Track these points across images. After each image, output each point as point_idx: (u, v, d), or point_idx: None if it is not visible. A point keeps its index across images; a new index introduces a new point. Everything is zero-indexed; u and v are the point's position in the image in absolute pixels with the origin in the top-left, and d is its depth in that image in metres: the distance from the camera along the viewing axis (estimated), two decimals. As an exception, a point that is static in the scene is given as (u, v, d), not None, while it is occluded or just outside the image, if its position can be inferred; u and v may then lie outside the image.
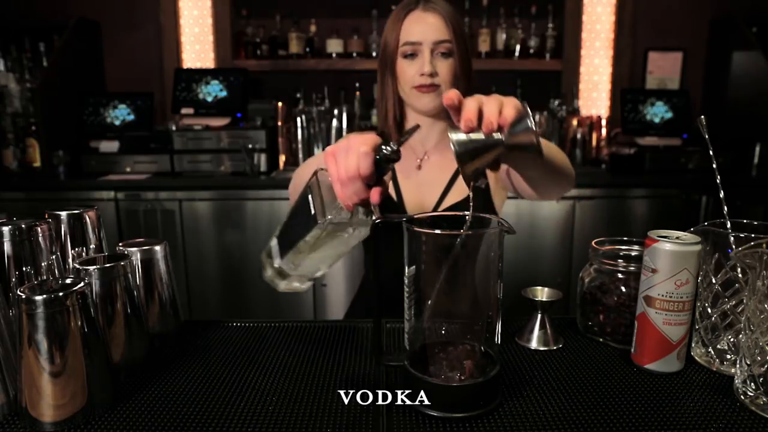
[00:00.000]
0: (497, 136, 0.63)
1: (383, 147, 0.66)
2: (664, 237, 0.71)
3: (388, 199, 1.25)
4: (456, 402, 0.64)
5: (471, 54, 1.19)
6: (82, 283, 0.63)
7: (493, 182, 1.27)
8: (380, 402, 0.69)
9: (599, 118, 2.89)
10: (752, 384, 0.66)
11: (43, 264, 0.72)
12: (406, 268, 0.66)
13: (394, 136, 1.24)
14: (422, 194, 1.25)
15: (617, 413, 0.65)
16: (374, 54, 2.95)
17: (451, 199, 1.23)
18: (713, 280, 0.75)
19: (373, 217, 0.66)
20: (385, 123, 1.25)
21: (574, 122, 2.85)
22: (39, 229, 0.72)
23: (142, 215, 2.49)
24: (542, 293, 0.87)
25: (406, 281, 0.67)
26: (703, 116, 0.82)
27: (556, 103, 2.89)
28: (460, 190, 1.24)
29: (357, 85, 2.99)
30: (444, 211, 1.19)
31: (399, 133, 1.24)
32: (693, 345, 0.79)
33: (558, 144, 2.85)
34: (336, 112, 2.80)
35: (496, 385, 0.68)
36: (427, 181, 1.26)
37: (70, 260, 0.81)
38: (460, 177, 1.20)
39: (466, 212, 0.68)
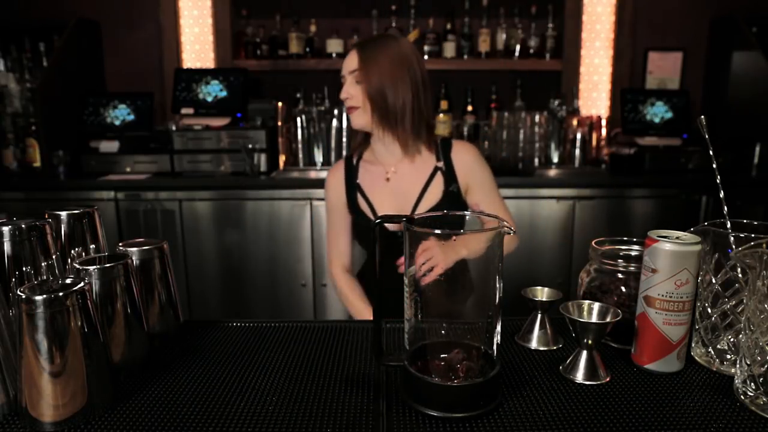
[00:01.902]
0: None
1: None
2: (664, 237, 0.71)
3: (363, 217, 1.41)
4: (456, 402, 0.64)
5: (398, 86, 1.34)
6: (82, 283, 0.63)
7: (464, 187, 1.39)
8: (380, 402, 0.69)
9: (599, 118, 2.90)
10: (752, 384, 0.66)
11: (43, 264, 0.72)
12: (406, 267, 0.66)
13: (364, 151, 1.46)
14: (395, 204, 1.38)
15: (617, 413, 0.65)
16: (374, 54, 2.95)
17: (424, 206, 1.36)
18: (713, 280, 0.75)
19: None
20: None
21: (574, 122, 2.85)
22: (39, 229, 0.72)
23: (142, 215, 2.49)
24: (542, 293, 0.87)
25: (406, 281, 0.67)
26: (703, 116, 0.82)
27: (556, 103, 2.89)
28: (432, 198, 1.37)
29: (357, 85, 2.99)
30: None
31: (364, 148, 1.47)
32: (693, 345, 0.79)
33: (558, 144, 2.86)
34: (336, 112, 2.80)
35: (496, 385, 0.68)
36: (398, 191, 1.39)
37: (70, 260, 0.81)
38: (432, 185, 1.38)
39: (466, 212, 0.68)
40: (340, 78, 1.39)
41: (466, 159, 1.40)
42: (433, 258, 1.13)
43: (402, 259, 1.10)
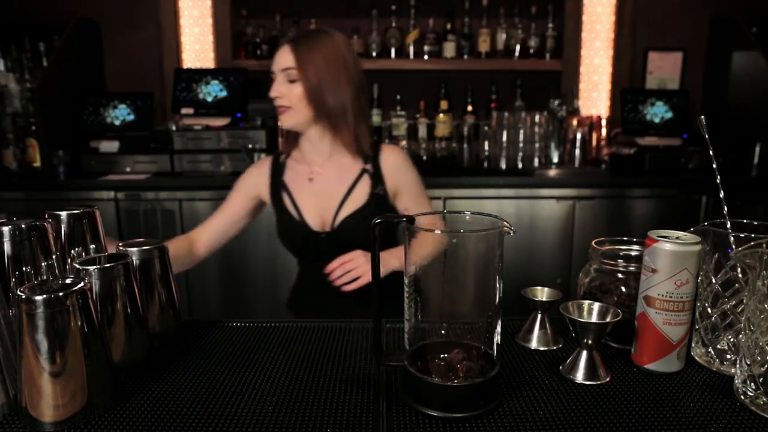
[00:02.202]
0: None
1: None
2: (664, 237, 0.71)
3: (288, 214, 1.38)
4: (456, 402, 0.64)
5: (337, 82, 1.30)
6: (82, 283, 0.63)
7: (392, 191, 1.38)
8: (380, 402, 0.69)
9: (599, 118, 2.89)
10: (752, 384, 0.66)
11: (43, 264, 0.72)
12: (406, 267, 0.66)
13: (292, 149, 1.44)
14: (320, 204, 1.37)
15: (617, 413, 0.65)
16: (374, 54, 2.95)
17: (349, 207, 1.34)
18: (713, 280, 0.75)
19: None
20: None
21: (574, 122, 2.85)
22: (39, 229, 0.72)
23: (142, 215, 2.48)
24: (542, 293, 0.87)
25: (406, 281, 0.67)
26: (703, 116, 0.82)
27: (556, 103, 2.89)
28: (357, 199, 1.35)
29: (357, 85, 2.99)
30: (345, 218, 1.33)
31: (292, 146, 1.44)
32: (693, 345, 0.79)
33: (558, 144, 2.85)
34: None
35: (496, 385, 0.68)
36: (322, 192, 1.37)
37: (70, 260, 0.81)
38: (357, 187, 1.36)
39: (466, 212, 0.68)
40: (270, 75, 1.33)
41: (394, 162, 1.38)
42: (359, 268, 1.21)
43: (331, 266, 1.22)
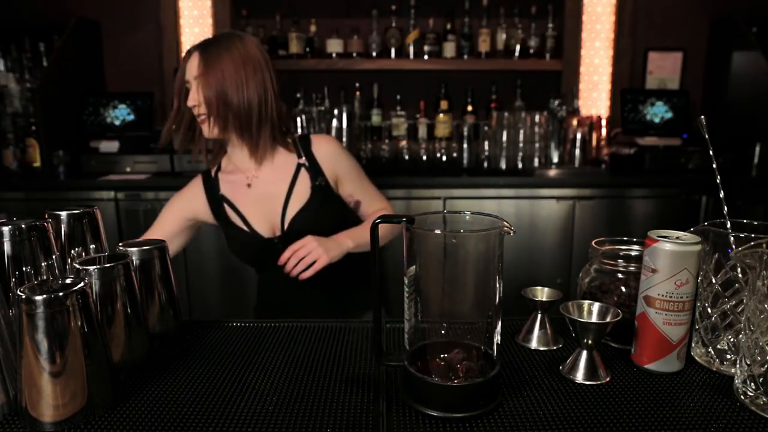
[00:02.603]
0: None
1: None
2: (664, 237, 0.71)
3: (235, 228, 1.35)
4: (456, 402, 0.64)
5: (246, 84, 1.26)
6: (82, 283, 0.63)
7: (332, 179, 1.36)
8: (380, 402, 0.69)
9: (599, 118, 2.89)
10: (752, 384, 0.66)
11: (43, 264, 0.72)
12: (406, 267, 0.66)
13: (221, 162, 1.41)
14: (264, 208, 1.34)
15: (617, 413, 0.65)
16: (374, 54, 2.95)
17: (295, 206, 1.33)
18: (713, 280, 0.75)
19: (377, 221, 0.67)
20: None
21: (574, 122, 2.85)
22: (39, 229, 0.72)
23: (142, 215, 2.48)
24: (542, 293, 0.87)
25: (405, 281, 0.67)
26: (703, 116, 0.82)
27: (556, 103, 2.89)
28: (300, 196, 1.33)
29: (357, 85, 2.99)
30: (293, 218, 1.32)
31: (220, 159, 1.42)
32: (693, 345, 0.79)
33: (558, 144, 2.85)
34: (336, 112, 2.80)
35: (496, 385, 0.68)
36: (264, 196, 1.35)
37: (70, 260, 0.81)
38: (297, 183, 1.34)
39: (466, 212, 0.68)
40: (185, 85, 1.29)
41: (327, 150, 1.37)
42: (312, 253, 1.20)
43: (283, 257, 1.22)
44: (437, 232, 0.65)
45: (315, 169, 1.35)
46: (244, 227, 1.34)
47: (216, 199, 1.37)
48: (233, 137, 1.32)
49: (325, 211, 1.34)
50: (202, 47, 1.27)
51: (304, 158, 1.36)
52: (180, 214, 1.39)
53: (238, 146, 1.34)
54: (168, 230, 1.36)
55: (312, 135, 1.40)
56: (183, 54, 2.99)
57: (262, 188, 1.35)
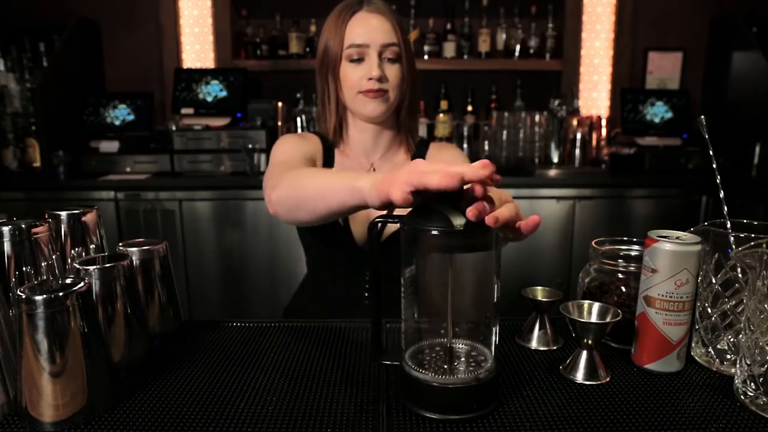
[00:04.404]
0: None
1: None
2: (664, 237, 0.71)
3: (333, 224, 1.15)
4: (453, 404, 0.64)
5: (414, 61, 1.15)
6: (82, 283, 0.63)
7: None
8: (380, 402, 0.69)
9: (599, 118, 2.89)
10: (752, 384, 0.66)
11: (43, 264, 0.72)
12: (403, 267, 0.66)
13: (338, 140, 1.18)
14: (367, 212, 1.14)
15: (617, 413, 0.65)
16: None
17: (399, 211, 1.18)
18: (713, 280, 0.75)
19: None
20: (324, 126, 1.19)
21: (574, 122, 2.85)
22: (39, 229, 0.72)
23: (142, 215, 2.48)
24: (542, 293, 0.87)
25: (403, 281, 0.67)
26: (703, 116, 0.82)
27: (556, 103, 2.89)
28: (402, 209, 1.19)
29: (357, 85, 2.99)
30: (393, 232, 1.14)
31: (337, 136, 1.18)
32: (693, 345, 0.79)
33: (558, 144, 2.85)
34: (336, 112, 2.79)
35: (495, 387, 0.68)
36: None
37: (70, 260, 0.81)
38: None
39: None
40: (359, 49, 1.07)
41: (446, 159, 1.22)
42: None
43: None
44: (434, 232, 0.64)
45: None
46: (340, 222, 1.14)
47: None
48: (383, 121, 1.16)
49: None
50: (384, 11, 1.08)
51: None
52: (310, 155, 1.13)
53: (373, 132, 1.16)
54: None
55: (432, 142, 1.26)
56: (183, 54, 3.00)
57: None
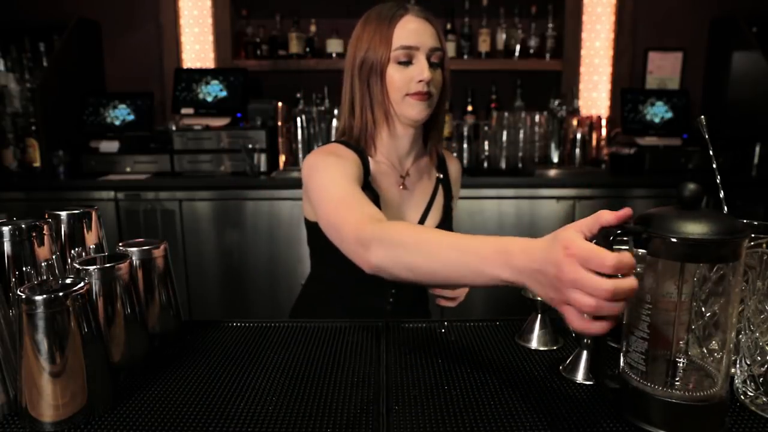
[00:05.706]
0: None
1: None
2: (664, 237, 0.71)
3: None
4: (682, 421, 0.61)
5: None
6: (82, 283, 0.63)
7: (454, 204, 1.27)
8: (380, 402, 0.69)
9: (599, 118, 2.89)
10: (752, 384, 0.65)
11: (43, 264, 0.72)
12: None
13: (370, 147, 1.14)
14: (403, 216, 1.16)
15: (617, 413, 0.65)
16: (374, 54, 2.94)
17: (431, 222, 1.18)
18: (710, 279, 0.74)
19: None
20: (357, 133, 1.14)
21: (574, 122, 2.85)
22: (39, 229, 0.72)
23: (142, 215, 2.48)
24: (542, 293, 0.87)
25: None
26: (703, 116, 0.82)
27: (556, 103, 2.89)
28: (436, 215, 1.20)
29: (357, 85, 2.99)
30: None
31: (371, 142, 1.14)
32: (691, 345, 0.79)
33: (558, 144, 2.85)
34: (336, 112, 2.79)
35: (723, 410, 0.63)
36: (407, 202, 1.17)
37: (70, 260, 0.81)
38: (436, 199, 1.20)
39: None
40: (408, 51, 1.05)
41: (458, 172, 1.28)
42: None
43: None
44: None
45: (448, 189, 1.23)
46: None
47: (364, 184, 1.09)
48: (418, 127, 1.15)
49: None
50: (430, 17, 1.09)
51: (441, 174, 1.24)
52: (353, 174, 1.05)
53: (408, 138, 1.14)
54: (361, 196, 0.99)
55: (444, 150, 1.27)
56: (183, 54, 3.00)
57: (410, 193, 1.18)
